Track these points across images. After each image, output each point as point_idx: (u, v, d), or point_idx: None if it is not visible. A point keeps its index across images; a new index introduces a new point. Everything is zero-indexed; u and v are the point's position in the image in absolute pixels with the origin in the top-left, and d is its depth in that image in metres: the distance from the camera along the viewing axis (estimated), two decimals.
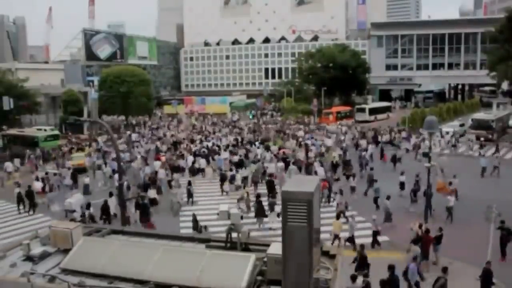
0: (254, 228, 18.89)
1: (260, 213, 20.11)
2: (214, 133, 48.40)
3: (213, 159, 32.34)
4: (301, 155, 32.41)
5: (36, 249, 7.63)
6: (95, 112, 61.09)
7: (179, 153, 35.15)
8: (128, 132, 50.28)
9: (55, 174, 29.46)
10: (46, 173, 28.96)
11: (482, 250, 14.91)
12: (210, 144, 38.73)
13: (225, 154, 33.21)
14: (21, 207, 23.86)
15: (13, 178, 30.29)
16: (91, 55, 77.83)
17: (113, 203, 20.93)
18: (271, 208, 20.62)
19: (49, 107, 60.45)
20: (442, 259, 15.37)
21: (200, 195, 25.33)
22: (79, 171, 30.79)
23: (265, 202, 21.05)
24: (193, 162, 31.10)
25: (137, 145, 41.60)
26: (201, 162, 31.24)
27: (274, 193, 22.55)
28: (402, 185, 23.93)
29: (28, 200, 23.79)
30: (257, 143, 38.44)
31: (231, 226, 7.64)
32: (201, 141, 41.59)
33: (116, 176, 22.49)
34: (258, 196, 21.03)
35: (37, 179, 27.56)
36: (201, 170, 30.39)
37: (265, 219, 20.19)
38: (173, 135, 47.08)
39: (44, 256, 7.49)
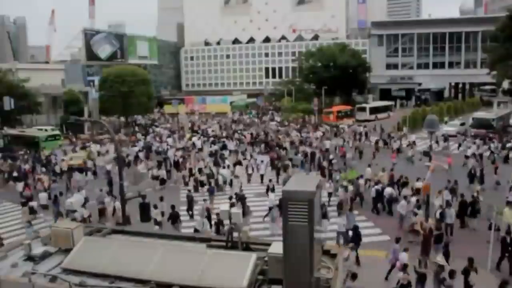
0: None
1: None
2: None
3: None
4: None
5: (37, 249, 7.63)
6: (96, 112, 61.09)
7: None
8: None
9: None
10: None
11: (483, 249, 14.89)
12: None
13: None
14: None
15: None
16: (91, 55, 77.62)
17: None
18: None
19: (50, 107, 60.46)
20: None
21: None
22: (79, 171, 30.68)
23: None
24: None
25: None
26: (197, 143, 37.41)
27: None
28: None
29: None
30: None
31: (232, 225, 7.64)
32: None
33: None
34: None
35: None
36: (200, 150, 35.64)
37: None
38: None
39: (45, 256, 7.49)
